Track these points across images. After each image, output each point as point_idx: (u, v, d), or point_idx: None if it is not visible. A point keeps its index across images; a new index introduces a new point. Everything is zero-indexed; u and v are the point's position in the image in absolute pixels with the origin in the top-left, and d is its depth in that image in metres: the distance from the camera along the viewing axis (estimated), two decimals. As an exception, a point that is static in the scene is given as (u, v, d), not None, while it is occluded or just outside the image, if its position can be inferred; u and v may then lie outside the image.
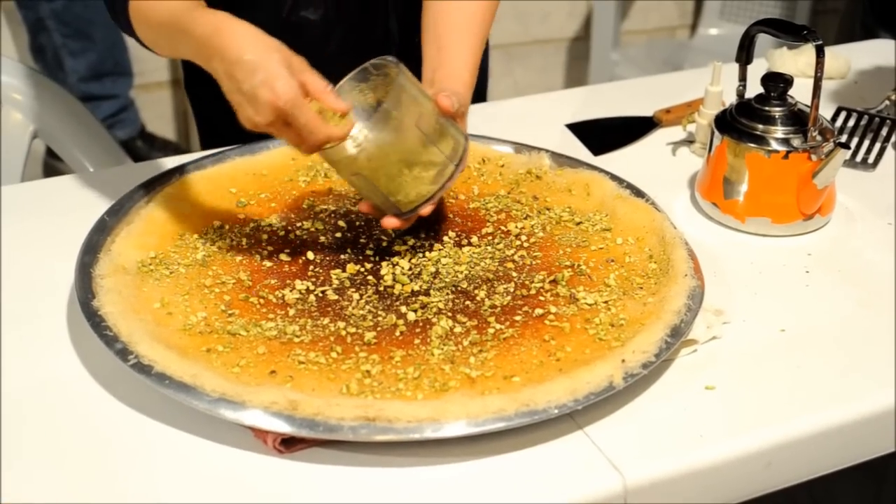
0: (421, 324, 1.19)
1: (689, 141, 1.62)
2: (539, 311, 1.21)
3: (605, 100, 1.78)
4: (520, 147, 1.50)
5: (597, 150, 1.59)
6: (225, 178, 1.42)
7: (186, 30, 1.20)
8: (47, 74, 2.25)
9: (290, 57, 1.17)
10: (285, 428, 1.04)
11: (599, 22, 3.55)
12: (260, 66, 1.14)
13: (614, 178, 1.43)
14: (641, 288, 1.25)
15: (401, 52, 1.62)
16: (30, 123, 1.84)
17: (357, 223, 1.36)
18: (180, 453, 1.06)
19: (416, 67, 1.44)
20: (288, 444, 1.06)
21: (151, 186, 1.38)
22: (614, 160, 1.57)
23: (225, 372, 1.10)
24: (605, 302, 1.22)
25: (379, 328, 1.18)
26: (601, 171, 1.45)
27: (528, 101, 1.83)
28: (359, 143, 1.21)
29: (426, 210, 1.28)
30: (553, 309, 1.21)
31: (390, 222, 1.28)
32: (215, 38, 1.16)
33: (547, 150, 1.49)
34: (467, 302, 1.23)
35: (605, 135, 1.63)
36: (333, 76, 1.46)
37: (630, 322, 1.19)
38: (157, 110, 3.37)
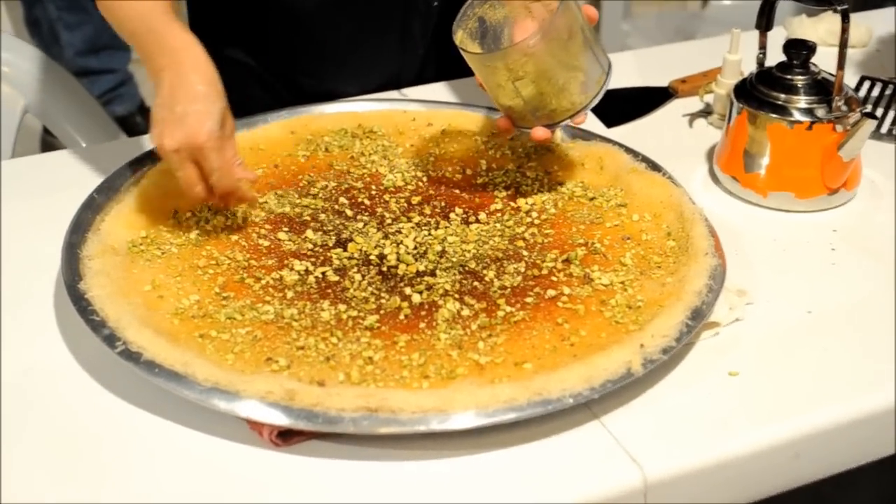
0: (426, 306, 1.13)
1: (706, 112, 1.55)
2: (551, 292, 1.14)
3: (617, 70, 1.69)
4: (530, 119, 1.44)
5: (610, 121, 1.52)
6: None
7: (157, 31, 1.20)
8: (43, 48, 2.18)
9: (228, 116, 1.18)
10: (282, 419, 0.98)
11: (610, -7, 3.47)
12: (204, 99, 1.16)
13: (629, 150, 1.36)
14: (660, 267, 1.18)
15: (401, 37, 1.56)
16: (20, 98, 1.77)
17: (359, 200, 1.29)
18: (171, 445, 1.00)
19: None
20: (285, 437, 1.00)
21: (143, 162, 1.32)
22: (628, 132, 1.50)
23: (218, 359, 1.04)
24: (622, 282, 1.16)
25: (382, 311, 1.12)
26: (615, 143, 1.38)
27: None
28: (531, 45, 1.18)
29: (580, 119, 1.27)
30: (566, 290, 1.15)
31: (541, 133, 1.26)
32: (183, 53, 1.18)
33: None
34: (475, 283, 1.16)
35: (619, 106, 1.56)
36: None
37: (648, 304, 1.12)
38: (157, 85, 3.29)
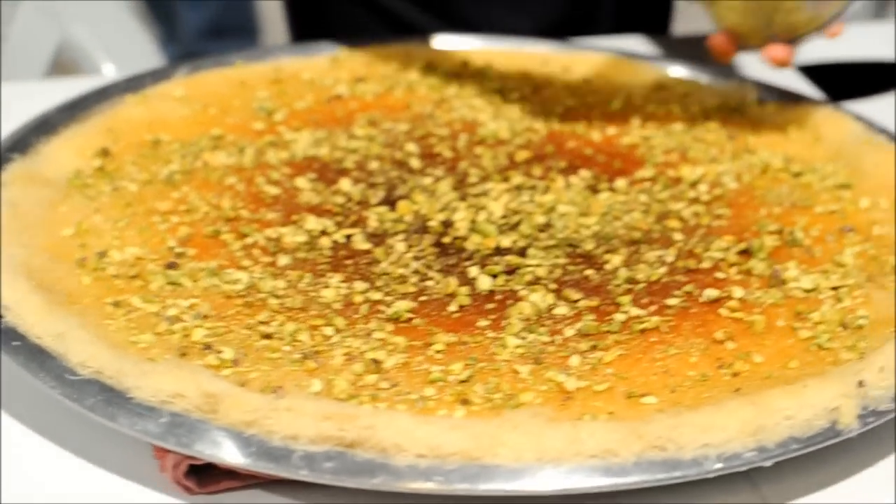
0: (499, 297, 0.68)
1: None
2: (712, 293, 0.69)
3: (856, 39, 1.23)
4: (713, 73, 0.98)
5: (837, 96, 1.05)
6: (256, 79, 0.94)
7: None
8: (157, 26, 1.83)
9: None
10: (187, 444, 0.54)
11: None
12: None
13: (861, 119, 0.90)
14: (898, 273, 0.71)
15: None
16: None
17: (437, 150, 0.86)
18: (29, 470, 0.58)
19: None
20: (203, 477, 0.56)
21: (142, 81, 0.92)
22: (864, 111, 1.02)
23: (122, 339, 0.61)
24: (834, 289, 0.69)
25: (423, 296, 0.68)
26: (838, 107, 0.92)
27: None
28: None
29: (835, 29, 0.89)
30: (738, 292, 0.69)
31: (779, 52, 0.89)
32: None
33: (754, 80, 0.96)
34: (588, 270, 0.71)
35: (853, 79, 1.10)
36: None
37: (876, 324, 0.66)
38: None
